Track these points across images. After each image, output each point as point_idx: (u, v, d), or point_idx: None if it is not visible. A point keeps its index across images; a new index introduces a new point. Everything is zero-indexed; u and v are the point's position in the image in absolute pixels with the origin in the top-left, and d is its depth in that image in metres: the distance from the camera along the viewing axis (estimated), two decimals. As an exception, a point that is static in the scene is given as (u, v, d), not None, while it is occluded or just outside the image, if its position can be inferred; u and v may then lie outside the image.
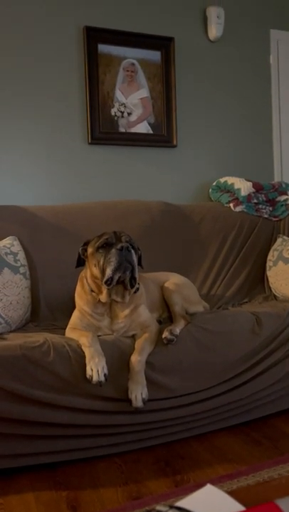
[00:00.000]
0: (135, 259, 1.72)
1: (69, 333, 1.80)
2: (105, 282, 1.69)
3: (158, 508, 0.44)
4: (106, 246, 1.72)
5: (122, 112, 2.80)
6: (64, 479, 1.60)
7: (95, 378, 1.56)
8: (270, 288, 2.62)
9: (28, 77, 2.63)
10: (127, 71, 2.81)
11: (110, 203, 2.60)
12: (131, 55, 2.82)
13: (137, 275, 1.73)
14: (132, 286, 1.74)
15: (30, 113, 2.64)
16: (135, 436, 1.74)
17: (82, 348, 1.64)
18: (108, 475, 1.62)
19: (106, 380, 1.58)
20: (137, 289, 1.79)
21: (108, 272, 1.67)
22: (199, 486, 1.49)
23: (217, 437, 1.86)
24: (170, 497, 1.46)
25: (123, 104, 2.80)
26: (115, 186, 2.84)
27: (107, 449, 1.72)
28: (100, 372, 1.57)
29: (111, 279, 1.68)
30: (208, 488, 0.53)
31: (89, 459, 1.70)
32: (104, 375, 1.58)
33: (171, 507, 0.45)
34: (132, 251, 1.71)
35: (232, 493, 0.50)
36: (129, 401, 1.62)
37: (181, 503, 0.49)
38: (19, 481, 1.59)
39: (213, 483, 1.53)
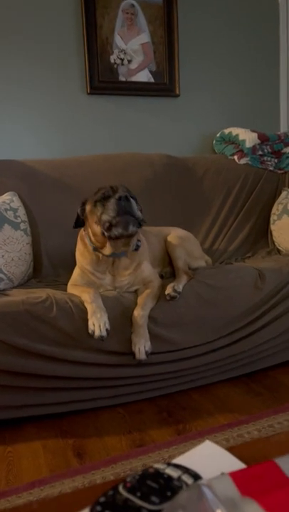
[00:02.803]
0: (135, 206, 1.65)
1: (71, 289, 1.80)
2: (103, 227, 1.63)
3: (156, 465, 0.44)
4: (103, 199, 1.67)
5: (122, 59, 2.67)
6: (70, 428, 1.66)
7: (96, 333, 1.58)
8: (273, 242, 2.60)
9: (20, 22, 2.47)
10: (127, 13, 2.65)
11: (111, 156, 2.53)
12: (130, -5, 2.64)
13: (141, 217, 1.68)
14: (140, 226, 1.69)
15: (24, 62, 2.51)
16: (138, 388, 1.79)
17: (85, 304, 1.64)
18: (112, 424, 1.67)
19: (108, 334, 1.59)
20: (138, 246, 1.77)
21: (106, 217, 1.61)
22: (201, 434, 1.55)
23: (218, 388, 1.91)
24: (172, 445, 1.52)
25: (123, 51, 2.66)
26: (116, 138, 2.75)
27: (111, 400, 1.77)
28: (101, 327, 1.58)
29: (110, 225, 1.62)
30: (207, 444, 0.54)
31: (93, 410, 1.75)
32: (106, 330, 1.59)
33: (169, 464, 0.45)
34: (132, 200, 1.65)
35: (231, 450, 0.51)
36: (133, 354, 1.65)
37: (179, 459, 0.50)
38: (27, 430, 1.65)
39: (215, 431, 1.58)
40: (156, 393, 1.84)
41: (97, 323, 1.58)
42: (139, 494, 0.41)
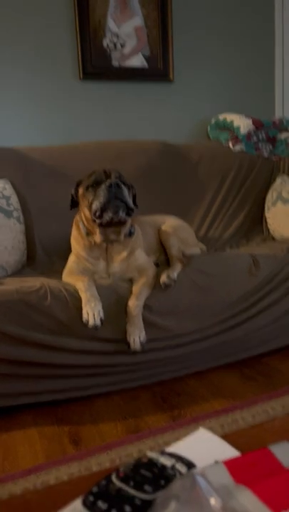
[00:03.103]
0: (127, 194, 1.67)
1: (66, 278, 1.79)
2: (94, 215, 1.65)
3: (149, 454, 0.44)
4: (95, 185, 1.67)
5: (115, 44, 2.62)
6: (65, 416, 1.66)
7: (91, 322, 1.58)
8: (268, 229, 2.60)
9: (10, 6, 2.41)
10: (120, -4, 2.59)
11: (105, 143, 2.51)
12: (123, -23, 2.58)
13: (131, 205, 1.69)
14: (129, 215, 1.70)
15: (15, 48, 2.46)
16: (133, 375, 1.79)
17: (79, 292, 1.64)
18: (107, 411, 1.68)
19: (102, 323, 1.59)
20: (132, 232, 1.77)
21: (96, 204, 1.63)
22: (195, 419, 1.56)
23: (213, 374, 1.92)
24: (167, 430, 1.53)
25: (116, 35, 2.61)
26: (109, 124, 2.72)
27: (106, 387, 1.77)
28: (95, 316, 1.58)
29: (100, 212, 1.63)
30: (201, 431, 0.54)
31: (89, 397, 1.76)
32: (100, 319, 1.59)
33: (163, 453, 0.45)
34: (123, 187, 1.66)
35: (225, 437, 0.51)
36: (128, 345, 1.65)
37: (173, 447, 0.50)
38: (22, 418, 1.66)
39: (209, 417, 1.59)
40: (152, 380, 1.84)
41: (91, 312, 1.58)
42: (132, 483, 0.40)
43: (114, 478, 0.41)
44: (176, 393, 1.79)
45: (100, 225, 1.68)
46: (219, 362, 1.96)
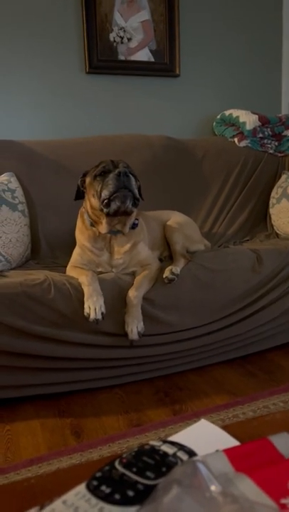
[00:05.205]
0: (134, 183, 1.67)
1: (70, 271, 1.80)
2: (102, 203, 1.65)
3: (152, 442, 0.45)
4: (103, 174, 1.68)
5: (122, 38, 2.61)
6: (68, 408, 1.68)
7: (92, 316, 1.59)
8: (272, 226, 2.60)
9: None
10: (127, -10, 2.59)
11: (110, 137, 2.51)
12: (131, -29, 2.58)
13: (138, 196, 1.69)
14: (136, 206, 1.70)
15: (21, 40, 2.46)
16: (136, 369, 1.80)
17: (82, 286, 1.65)
18: (110, 404, 1.69)
19: (103, 318, 1.60)
20: (136, 224, 1.77)
21: (105, 192, 1.63)
22: (197, 414, 1.57)
23: (215, 370, 1.93)
24: (168, 424, 1.54)
25: (122, 29, 2.61)
26: (115, 119, 2.72)
27: (109, 380, 1.79)
28: (97, 310, 1.59)
29: (108, 201, 1.63)
30: (203, 422, 0.55)
31: (91, 390, 1.77)
32: (102, 313, 1.60)
33: (165, 441, 0.46)
34: (131, 176, 1.66)
35: (226, 428, 0.51)
36: (126, 334, 1.66)
37: (175, 437, 0.51)
38: (25, 410, 1.67)
39: (211, 411, 1.60)
40: (154, 374, 1.85)
41: (93, 307, 1.59)
42: (134, 469, 0.41)
43: (117, 464, 0.42)
44: (178, 388, 1.80)
45: (107, 215, 1.68)
46: (221, 357, 1.96)
